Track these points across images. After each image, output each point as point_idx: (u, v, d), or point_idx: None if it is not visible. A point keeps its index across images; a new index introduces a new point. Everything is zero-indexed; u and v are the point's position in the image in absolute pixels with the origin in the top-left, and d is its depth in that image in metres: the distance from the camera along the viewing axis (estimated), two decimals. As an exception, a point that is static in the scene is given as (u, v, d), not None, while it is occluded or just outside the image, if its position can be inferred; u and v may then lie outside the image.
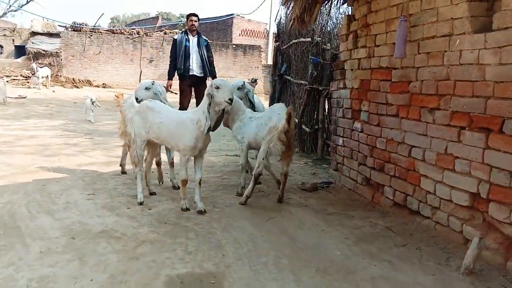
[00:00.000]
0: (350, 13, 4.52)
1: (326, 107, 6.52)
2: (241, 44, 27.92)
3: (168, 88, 7.45)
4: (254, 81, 26.84)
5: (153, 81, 4.37)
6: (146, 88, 4.20)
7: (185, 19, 7.09)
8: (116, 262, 2.74)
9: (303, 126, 6.64)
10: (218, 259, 2.81)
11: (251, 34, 34.47)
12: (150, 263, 2.72)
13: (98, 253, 2.87)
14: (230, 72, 26.54)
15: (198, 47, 6.40)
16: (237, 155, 6.57)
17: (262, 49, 28.20)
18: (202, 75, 6.48)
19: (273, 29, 10.17)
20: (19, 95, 14.21)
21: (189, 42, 6.40)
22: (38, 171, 5.03)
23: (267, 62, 28.54)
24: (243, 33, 34.03)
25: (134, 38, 23.80)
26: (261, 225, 3.51)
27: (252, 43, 30.00)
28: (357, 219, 3.61)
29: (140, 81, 20.75)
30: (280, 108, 4.15)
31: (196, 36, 6.52)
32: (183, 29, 21.26)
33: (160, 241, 3.12)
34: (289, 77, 8.18)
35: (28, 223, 3.36)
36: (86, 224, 3.37)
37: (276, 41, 9.22)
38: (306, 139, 6.70)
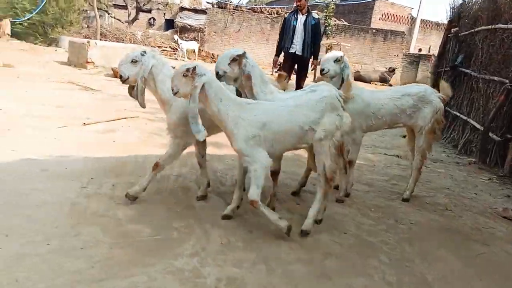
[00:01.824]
0: None
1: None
2: (382, 29, 25.93)
3: (274, 65, 7.60)
4: (392, 71, 24.84)
5: None
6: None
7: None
8: (306, 276, 2.30)
9: (490, 134, 5.44)
10: (434, 304, 2.16)
11: (392, 19, 31.92)
12: (346, 288, 2.21)
13: (283, 259, 2.46)
14: (365, 58, 24.96)
15: (304, 26, 6.24)
16: (398, 156, 5.74)
17: (405, 36, 25.77)
18: (303, 54, 6.32)
19: (447, 14, 8.67)
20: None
21: (296, 21, 6.31)
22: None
23: (408, 51, 26.13)
24: (384, 17, 31.70)
25: (273, 17, 23.82)
26: (470, 261, 2.73)
27: (393, 28, 27.66)
28: None
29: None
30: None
31: (306, 15, 6.31)
32: (325, 11, 20.38)
33: (347, 258, 2.59)
34: (468, 70, 6.89)
35: (202, 204, 3.15)
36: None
37: (453, 27, 7.88)
38: (492, 149, 5.49)
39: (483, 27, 6.53)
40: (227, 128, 2.55)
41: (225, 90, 2.58)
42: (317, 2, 28.35)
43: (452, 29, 7.78)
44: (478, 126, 6.01)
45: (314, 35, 6.32)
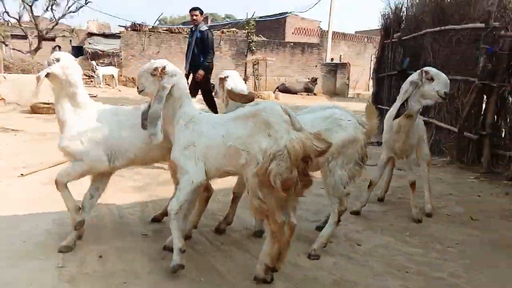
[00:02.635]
0: None
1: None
2: (299, 42, 26.79)
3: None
4: (314, 81, 25.74)
5: None
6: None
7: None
8: None
9: (465, 132, 5.43)
10: None
11: (304, 32, 33.33)
12: None
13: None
14: (287, 71, 25.49)
15: (195, 41, 6.13)
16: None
17: (320, 47, 26.94)
18: (192, 68, 6.10)
19: (380, 22, 8.89)
20: (90, 94, 13.79)
21: (191, 38, 6.26)
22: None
23: (325, 61, 27.29)
24: (296, 31, 32.96)
25: (194, 37, 23.22)
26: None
27: (305, 41, 28.80)
28: None
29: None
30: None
31: (197, 29, 6.21)
32: (246, 28, 20.41)
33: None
34: (418, 73, 6.97)
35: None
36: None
37: (388, 34, 8.04)
38: (468, 148, 5.47)
39: (429, 30, 6.66)
40: (174, 135, 2.33)
41: (187, 96, 2.38)
42: (238, 20, 28.53)
43: (394, 34, 7.90)
44: (443, 125, 6.02)
45: (202, 47, 6.06)
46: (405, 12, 7.99)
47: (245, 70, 19.66)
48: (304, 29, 33.56)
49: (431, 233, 3.12)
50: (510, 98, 5.06)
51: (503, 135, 5.15)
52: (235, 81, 3.03)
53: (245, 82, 19.22)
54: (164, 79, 2.27)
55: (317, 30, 34.37)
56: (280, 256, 2.14)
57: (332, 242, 2.83)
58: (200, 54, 6.09)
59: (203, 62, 6.06)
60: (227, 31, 25.11)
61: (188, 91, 2.39)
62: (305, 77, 24.84)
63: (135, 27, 23.57)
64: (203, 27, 6.24)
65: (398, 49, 7.92)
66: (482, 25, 5.17)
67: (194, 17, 6.21)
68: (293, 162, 1.82)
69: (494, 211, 3.71)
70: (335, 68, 26.31)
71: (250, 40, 20.44)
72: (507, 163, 5.03)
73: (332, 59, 29.62)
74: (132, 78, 21.92)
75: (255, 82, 20.00)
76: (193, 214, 2.68)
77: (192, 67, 6.11)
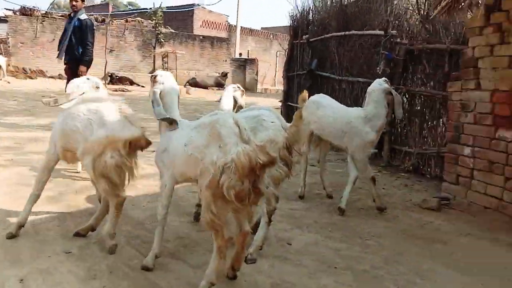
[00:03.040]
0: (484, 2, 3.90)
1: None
2: (208, 36, 26.65)
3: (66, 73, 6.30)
4: (225, 75, 25.85)
5: None
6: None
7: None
8: None
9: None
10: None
11: (212, 26, 33.19)
12: None
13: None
14: (197, 65, 25.20)
15: (73, 29, 5.85)
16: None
17: (229, 42, 27.15)
18: (70, 58, 5.90)
19: (289, 22, 9.30)
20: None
21: (69, 24, 5.96)
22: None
23: (234, 56, 27.58)
24: (204, 24, 32.65)
25: (95, 26, 21.58)
26: (458, 267, 2.79)
27: (213, 35, 28.79)
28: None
29: (105, 72, 18.99)
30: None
31: (75, 17, 5.93)
32: (154, 19, 19.61)
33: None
34: (326, 74, 7.47)
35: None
36: None
37: (296, 34, 8.47)
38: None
39: (335, 34, 7.17)
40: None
41: (176, 105, 2.51)
42: (144, 9, 27.14)
43: (303, 36, 8.32)
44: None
45: (81, 38, 5.79)
46: (312, 16, 8.47)
47: (154, 63, 18.91)
48: (212, 22, 33.38)
49: (351, 227, 3.40)
50: (405, 99, 5.71)
51: (399, 132, 5.82)
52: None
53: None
54: (155, 85, 2.49)
55: (225, 24, 34.44)
56: (236, 263, 2.21)
57: (264, 244, 2.93)
58: (77, 45, 5.80)
59: (83, 57, 5.77)
60: (132, 20, 23.85)
61: (176, 97, 2.52)
62: (215, 72, 24.86)
63: (25, 12, 21.10)
64: (83, 16, 5.88)
65: (306, 50, 8.37)
66: (382, 32, 5.75)
67: (74, 3, 5.82)
68: (241, 174, 1.84)
69: (398, 203, 4.19)
70: (244, 64, 26.78)
71: (158, 32, 19.68)
72: (403, 157, 5.69)
73: (240, 54, 30.07)
74: (24, 68, 19.71)
75: (164, 76, 19.31)
76: (108, 221, 2.58)
77: (70, 58, 5.85)
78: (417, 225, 3.55)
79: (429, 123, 5.39)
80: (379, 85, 3.71)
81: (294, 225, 3.38)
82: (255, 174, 1.87)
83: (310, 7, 8.41)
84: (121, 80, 20.17)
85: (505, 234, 3.33)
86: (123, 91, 17.17)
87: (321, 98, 4.12)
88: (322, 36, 7.69)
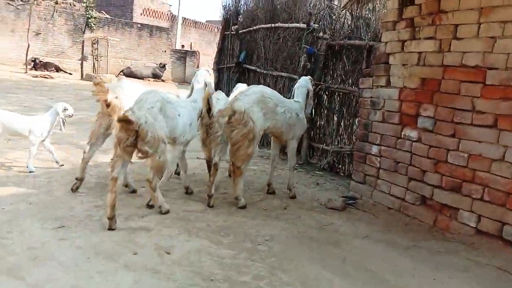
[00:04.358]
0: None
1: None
2: (147, 25, 25.47)
3: None
4: (163, 66, 24.89)
5: None
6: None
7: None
8: None
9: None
10: None
11: (154, 14, 31.88)
12: None
13: None
14: (133, 54, 23.96)
15: None
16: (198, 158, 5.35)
17: (170, 32, 26.14)
18: None
19: (221, 13, 8.89)
20: None
21: None
22: None
23: (174, 47, 26.65)
24: (145, 12, 31.27)
25: (18, 5, 19.70)
26: (346, 273, 2.56)
27: (155, 24, 27.62)
28: (448, 255, 2.89)
29: (27, 57, 17.32)
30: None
31: None
32: (85, 1, 18.25)
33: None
34: (252, 67, 7.18)
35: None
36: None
37: (232, 25, 8.08)
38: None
39: (262, 26, 6.89)
40: None
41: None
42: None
43: (233, 27, 7.97)
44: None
45: None
46: (243, 6, 8.14)
47: (82, 49, 17.58)
48: (154, 11, 32.08)
49: (245, 230, 3.10)
50: (324, 96, 5.55)
51: (318, 129, 5.65)
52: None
53: (82, 63, 17.01)
54: None
55: (167, 14, 33.30)
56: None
57: (137, 253, 2.53)
58: None
59: None
60: (63, 2, 22.12)
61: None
62: (153, 62, 23.79)
63: None
64: None
65: (236, 42, 8.03)
66: (304, 25, 5.53)
67: None
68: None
69: (305, 202, 3.96)
70: (185, 55, 25.92)
71: (89, 15, 18.35)
72: (320, 155, 5.54)
73: (182, 46, 29.12)
74: None
75: (94, 64, 18.07)
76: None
77: None
78: (317, 226, 3.32)
79: (346, 121, 5.27)
80: (305, 82, 4.18)
81: (183, 229, 3.00)
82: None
83: (241, -3, 8.06)
84: (46, 66, 18.59)
85: (403, 236, 3.20)
86: (46, 77, 15.79)
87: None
88: (251, 28, 7.38)
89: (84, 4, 18.81)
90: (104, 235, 2.75)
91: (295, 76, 5.60)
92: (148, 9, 31.52)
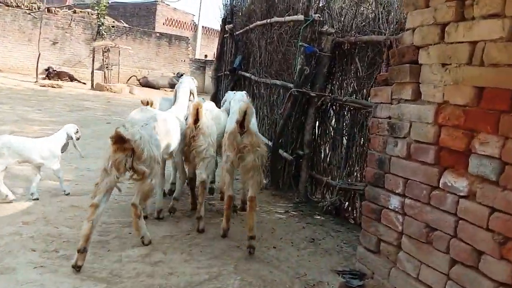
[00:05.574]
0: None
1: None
2: (166, 33, 24.77)
3: None
4: (180, 76, 24.13)
5: None
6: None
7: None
8: None
9: (280, 151, 4.31)
10: None
11: (176, 24, 31.43)
12: None
13: None
14: (152, 63, 23.23)
15: None
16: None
17: (189, 41, 25.30)
18: None
19: (221, 12, 7.60)
20: None
21: None
22: None
23: (194, 56, 25.79)
24: (167, 22, 30.85)
25: (35, 13, 19.35)
26: None
27: (178, 34, 26.98)
28: None
29: (37, 65, 16.73)
30: None
31: None
32: (96, 9, 17.65)
33: None
34: (247, 74, 5.81)
35: None
36: None
37: (227, 23, 6.77)
38: (282, 169, 4.38)
39: (258, 23, 5.53)
40: None
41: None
42: (86, 3, 25.10)
43: (226, 27, 6.66)
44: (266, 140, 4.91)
45: None
46: (239, 4, 6.83)
47: (93, 58, 16.82)
48: (177, 21, 31.70)
49: None
50: (330, 112, 4.09)
51: (322, 156, 4.17)
52: None
53: (92, 72, 16.12)
54: None
55: (190, 24, 32.87)
56: None
57: None
58: None
59: None
60: (80, 11, 21.74)
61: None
62: (171, 72, 22.97)
63: None
64: None
65: (232, 44, 6.72)
66: (302, 17, 4.09)
67: None
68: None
69: (284, 281, 2.51)
70: (204, 65, 25.01)
71: (100, 23, 17.69)
72: (324, 190, 4.07)
73: (206, 56, 28.33)
74: None
75: (104, 73, 17.30)
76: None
77: None
78: None
79: (359, 146, 3.77)
80: (242, 96, 3.70)
81: None
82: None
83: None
84: (60, 75, 18.08)
85: None
86: (53, 87, 15.07)
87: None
88: (246, 28, 6.06)
89: (96, 12, 18.21)
90: None
91: (290, 85, 4.18)
92: (171, 19, 31.11)
